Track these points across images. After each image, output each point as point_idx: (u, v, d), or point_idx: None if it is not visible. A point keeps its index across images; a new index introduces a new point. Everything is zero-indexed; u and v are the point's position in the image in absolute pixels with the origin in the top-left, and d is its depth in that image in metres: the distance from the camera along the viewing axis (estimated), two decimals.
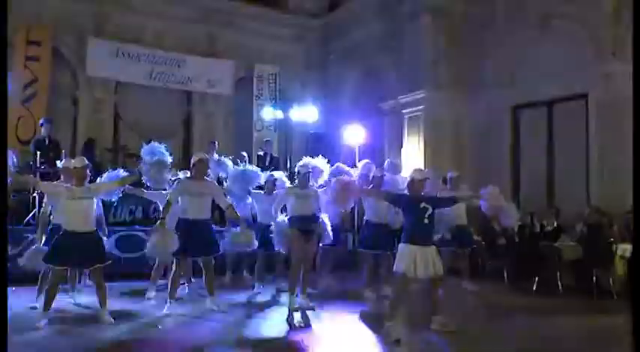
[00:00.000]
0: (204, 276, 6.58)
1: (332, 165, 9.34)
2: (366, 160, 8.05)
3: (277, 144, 13.46)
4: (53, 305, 5.72)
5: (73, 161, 6.12)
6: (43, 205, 6.59)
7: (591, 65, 9.45)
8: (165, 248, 6.04)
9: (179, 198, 6.30)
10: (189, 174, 6.65)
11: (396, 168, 8.13)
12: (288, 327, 5.93)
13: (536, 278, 8.17)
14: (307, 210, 6.68)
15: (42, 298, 5.82)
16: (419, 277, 5.37)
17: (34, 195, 8.83)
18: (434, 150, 11.43)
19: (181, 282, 6.94)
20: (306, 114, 12.61)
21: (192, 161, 6.50)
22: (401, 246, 5.44)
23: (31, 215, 8.79)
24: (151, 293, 7.16)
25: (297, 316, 6.33)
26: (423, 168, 7.09)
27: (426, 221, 5.42)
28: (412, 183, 5.60)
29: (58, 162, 7.11)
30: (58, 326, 5.60)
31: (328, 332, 5.80)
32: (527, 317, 6.58)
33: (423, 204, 5.46)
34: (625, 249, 7.79)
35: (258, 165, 10.83)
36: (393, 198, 5.93)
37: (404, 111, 11.93)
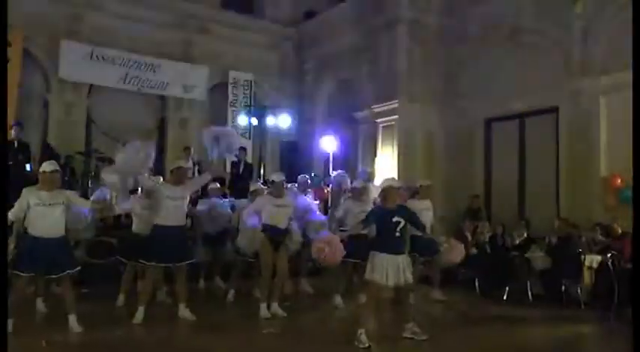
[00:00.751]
0: (177, 283, 6.50)
1: (305, 174, 9.37)
2: (340, 171, 8.08)
3: (252, 152, 13.41)
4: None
5: (42, 165, 5.98)
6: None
7: (561, 80, 9.68)
8: None
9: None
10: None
11: (368, 176, 8.18)
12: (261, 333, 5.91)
13: (507, 288, 8.29)
14: (280, 221, 6.68)
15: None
16: (390, 285, 5.39)
17: None
18: (407, 160, 11.52)
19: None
20: (280, 122, 12.62)
21: (171, 168, 6.44)
22: (372, 254, 5.43)
23: None
24: (121, 300, 7.06)
25: (269, 324, 6.32)
26: (395, 178, 7.09)
27: (397, 234, 5.44)
28: (386, 191, 5.59)
29: (27, 165, 6.99)
30: (29, 333, 5.47)
31: (300, 340, 5.78)
32: (498, 326, 6.68)
33: (395, 218, 5.45)
34: (592, 259, 7.96)
35: (231, 172, 10.89)
36: (367, 221, 5.70)
37: (378, 120, 12.02)
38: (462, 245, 6.27)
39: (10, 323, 5.40)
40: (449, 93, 11.74)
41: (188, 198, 6.50)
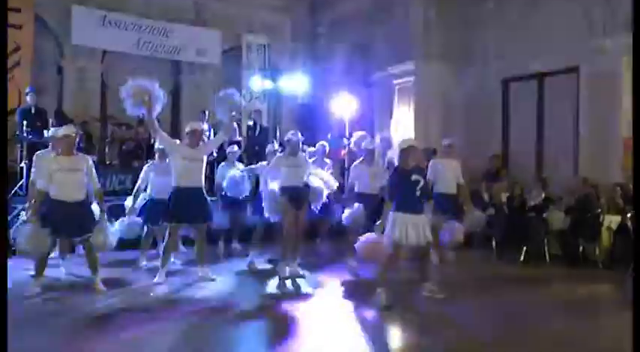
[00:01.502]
0: (195, 245, 6.60)
1: (322, 137, 9.34)
2: (361, 132, 7.99)
3: (267, 115, 13.37)
4: (46, 274, 5.73)
5: (60, 129, 6.02)
6: (32, 176, 6.49)
7: (583, 39, 9.44)
8: None
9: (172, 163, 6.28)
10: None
11: (388, 143, 8.06)
12: (280, 295, 6.00)
13: (524, 248, 8.29)
14: (298, 179, 6.69)
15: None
16: (409, 244, 5.39)
17: (22, 165, 8.73)
18: (424, 121, 11.42)
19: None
20: (295, 84, 12.53)
21: (186, 130, 6.44)
22: (392, 214, 5.42)
23: (18, 186, 8.68)
24: (143, 262, 7.19)
25: (288, 284, 6.41)
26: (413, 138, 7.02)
27: (417, 193, 5.43)
28: (407, 151, 5.54)
29: (45, 131, 7.04)
30: (51, 295, 5.60)
31: (319, 300, 5.87)
32: (515, 286, 6.71)
33: (414, 177, 5.44)
34: (611, 220, 7.92)
35: (247, 135, 10.89)
36: (390, 187, 5.64)
37: (394, 82, 11.88)
38: (461, 226, 6.26)
39: (38, 283, 5.58)
40: (466, 53, 11.52)
41: (205, 160, 6.50)
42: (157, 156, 7.32)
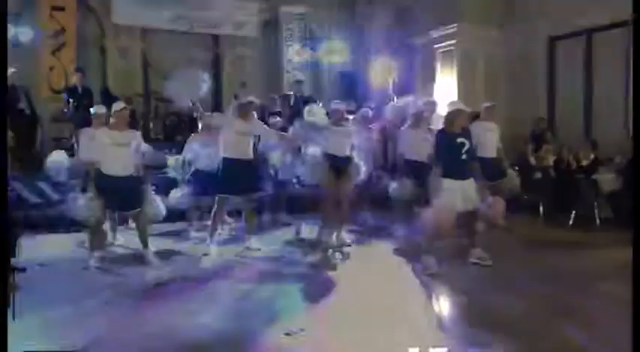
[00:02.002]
0: (243, 216, 6.69)
1: (364, 103, 9.21)
2: (411, 97, 7.87)
3: (308, 85, 13.31)
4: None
5: (114, 105, 6.15)
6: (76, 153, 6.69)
7: None
8: None
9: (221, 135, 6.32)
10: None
11: (434, 107, 7.89)
12: (325, 263, 6.05)
13: (574, 212, 8.08)
14: (341, 149, 6.66)
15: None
16: (458, 210, 5.33)
17: (73, 141, 9.00)
18: (467, 85, 11.15)
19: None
20: (336, 53, 12.40)
21: (242, 101, 6.48)
22: (437, 179, 5.34)
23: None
24: (192, 233, 7.35)
25: (333, 253, 6.46)
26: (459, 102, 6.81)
27: (463, 156, 5.33)
28: (453, 114, 5.42)
29: (92, 109, 7.21)
30: (105, 267, 5.81)
31: (364, 268, 5.89)
32: (563, 251, 6.56)
33: (460, 139, 5.34)
34: None
35: (288, 106, 10.86)
36: (435, 151, 5.55)
37: (436, 46, 11.62)
38: (504, 201, 5.93)
39: (96, 255, 5.79)
40: (509, 13, 11.16)
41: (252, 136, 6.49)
42: (200, 128, 7.39)
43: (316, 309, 4.55)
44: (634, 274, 3.71)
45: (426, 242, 5.59)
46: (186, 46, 13.08)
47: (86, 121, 8.54)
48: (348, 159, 6.73)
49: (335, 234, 6.73)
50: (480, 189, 5.49)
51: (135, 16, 12.26)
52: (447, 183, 5.26)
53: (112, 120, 6.00)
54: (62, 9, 11.50)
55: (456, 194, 5.25)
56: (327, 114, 6.80)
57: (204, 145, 7.04)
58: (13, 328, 3.45)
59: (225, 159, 6.27)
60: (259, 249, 6.51)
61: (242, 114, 6.37)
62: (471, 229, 5.72)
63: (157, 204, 6.10)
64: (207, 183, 6.64)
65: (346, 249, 6.61)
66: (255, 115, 6.70)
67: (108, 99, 9.50)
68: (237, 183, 6.22)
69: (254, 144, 6.58)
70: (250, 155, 6.41)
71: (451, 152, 5.31)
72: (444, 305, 4.72)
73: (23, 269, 5.38)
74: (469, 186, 5.36)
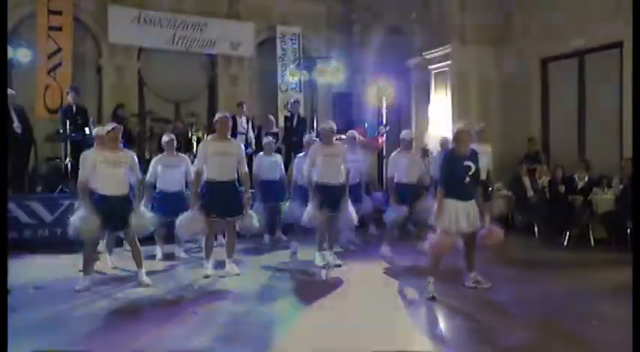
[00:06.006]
0: (226, 238, 6.61)
1: (358, 124, 9.27)
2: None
3: (303, 105, 13.36)
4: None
5: (105, 127, 6.13)
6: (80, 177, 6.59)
7: (626, 12, 9.07)
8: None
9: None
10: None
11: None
12: (317, 283, 6.06)
13: (567, 233, 8.09)
14: (333, 173, 6.66)
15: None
16: (462, 231, 5.29)
17: (67, 162, 8.98)
18: (461, 106, 11.22)
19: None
20: (330, 74, 12.47)
21: (215, 119, 6.40)
22: (443, 201, 5.26)
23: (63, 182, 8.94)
24: (159, 255, 7.38)
25: (324, 273, 6.46)
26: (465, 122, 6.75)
27: (467, 179, 5.31)
28: (459, 134, 5.40)
29: (86, 129, 7.20)
30: (98, 289, 5.75)
31: (357, 289, 5.86)
32: (560, 272, 6.56)
33: (466, 162, 5.32)
34: None
35: (285, 126, 10.88)
36: (440, 172, 5.53)
37: (430, 67, 11.71)
38: (501, 230, 5.84)
39: (86, 278, 5.74)
40: (504, 34, 11.30)
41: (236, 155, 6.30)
42: (165, 148, 7.49)
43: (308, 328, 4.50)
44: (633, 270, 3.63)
45: (430, 263, 5.48)
46: (183, 65, 13.13)
47: (80, 141, 8.56)
48: (340, 188, 6.71)
49: (325, 254, 6.76)
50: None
51: (131, 36, 12.32)
52: (452, 203, 5.24)
53: (104, 140, 5.97)
54: (59, 29, 11.54)
55: (461, 215, 5.23)
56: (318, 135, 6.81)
57: (166, 166, 7.32)
58: None
59: (207, 182, 6.15)
60: (237, 274, 6.33)
61: (219, 133, 6.26)
62: (469, 251, 5.66)
63: (145, 216, 6.04)
64: (166, 203, 7.03)
65: (336, 268, 6.61)
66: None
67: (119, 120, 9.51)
68: (220, 205, 6.13)
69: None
70: (233, 176, 6.23)
71: (455, 173, 5.29)
72: (442, 329, 4.67)
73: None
74: (471, 207, 5.33)
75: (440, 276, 5.43)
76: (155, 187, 7.34)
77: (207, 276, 6.17)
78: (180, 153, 7.72)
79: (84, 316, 4.85)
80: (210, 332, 4.38)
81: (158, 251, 7.43)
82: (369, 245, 8.13)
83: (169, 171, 7.30)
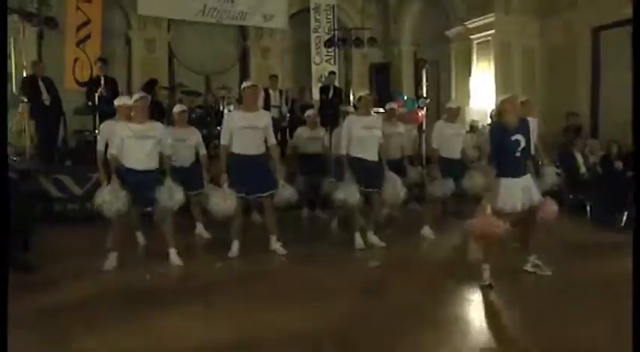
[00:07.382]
0: (265, 215, 6.19)
1: (397, 97, 8.80)
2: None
3: (338, 79, 12.94)
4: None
5: (132, 97, 5.79)
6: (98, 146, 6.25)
7: None
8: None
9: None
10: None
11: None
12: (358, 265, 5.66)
13: (626, 212, 7.53)
14: (369, 148, 6.19)
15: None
16: (519, 210, 4.77)
17: (96, 134, 8.75)
18: (505, 78, 10.70)
19: None
20: (366, 45, 12.02)
21: (241, 87, 6.01)
22: (494, 180, 4.78)
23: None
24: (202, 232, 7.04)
25: (368, 254, 6.04)
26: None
27: (517, 154, 4.81)
28: (506, 103, 4.87)
29: (115, 100, 6.88)
30: (126, 268, 5.47)
31: (399, 272, 5.48)
32: (615, 256, 6.01)
33: (515, 136, 4.82)
34: None
35: (320, 99, 10.50)
36: (490, 149, 4.97)
37: (472, 36, 11.15)
38: (555, 204, 5.24)
39: (114, 256, 5.46)
40: (550, 3, 10.62)
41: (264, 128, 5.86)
42: (176, 119, 6.99)
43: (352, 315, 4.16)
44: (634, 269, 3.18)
45: (484, 249, 4.91)
46: (214, 37, 12.80)
47: (110, 113, 8.29)
48: (378, 163, 6.26)
49: (365, 235, 6.32)
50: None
51: (161, 8, 12.03)
52: (505, 182, 4.77)
53: (132, 112, 5.64)
54: (89, 1, 11.31)
55: (516, 193, 4.75)
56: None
57: (177, 139, 6.63)
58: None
59: (234, 155, 5.78)
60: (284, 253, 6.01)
61: (246, 103, 5.89)
62: (529, 231, 5.13)
63: (174, 191, 5.58)
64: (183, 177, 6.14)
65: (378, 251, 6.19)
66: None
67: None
68: (249, 181, 5.73)
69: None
70: (262, 150, 5.86)
71: (506, 149, 4.78)
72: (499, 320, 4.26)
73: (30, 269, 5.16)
74: (528, 181, 4.85)
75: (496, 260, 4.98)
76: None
77: (232, 257, 5.83)
78: (191, 126, 7.26)
79: (107, 296, 4.61)
80: (235, 314, 4.08)
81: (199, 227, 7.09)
82: (408, 223, 7.69)
83: (181, 145, 6.68)
